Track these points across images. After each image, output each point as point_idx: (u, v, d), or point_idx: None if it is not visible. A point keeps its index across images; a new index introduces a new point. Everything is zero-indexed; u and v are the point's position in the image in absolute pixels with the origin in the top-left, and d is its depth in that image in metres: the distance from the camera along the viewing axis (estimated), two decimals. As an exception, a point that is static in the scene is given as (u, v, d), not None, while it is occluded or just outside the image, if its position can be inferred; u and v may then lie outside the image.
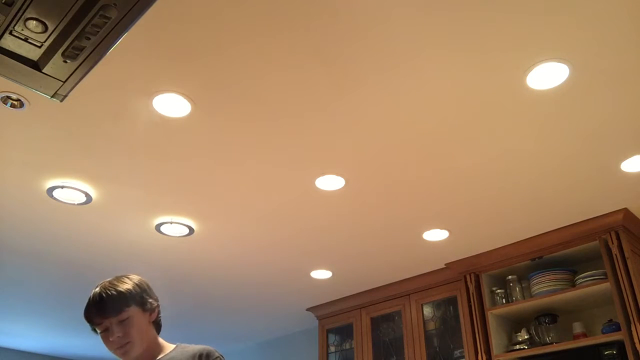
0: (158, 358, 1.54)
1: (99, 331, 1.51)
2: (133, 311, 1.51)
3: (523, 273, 3.66)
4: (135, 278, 1.59)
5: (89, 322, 1.52)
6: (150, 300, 1.57)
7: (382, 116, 2.39)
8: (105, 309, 1.48)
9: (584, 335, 3.29)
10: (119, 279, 1.56)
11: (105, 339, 1.50)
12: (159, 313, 1.59)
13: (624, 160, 2.70)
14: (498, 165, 2.74)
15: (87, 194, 2.97)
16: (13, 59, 1.15)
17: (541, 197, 3.04)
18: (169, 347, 1.58)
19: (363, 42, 1.99)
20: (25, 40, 1.12)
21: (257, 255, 3.80)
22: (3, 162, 2.71)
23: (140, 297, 1.54)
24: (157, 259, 3.84)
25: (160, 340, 1.61)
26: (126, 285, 1.53)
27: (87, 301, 1.53)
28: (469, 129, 2.48)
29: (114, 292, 1.50)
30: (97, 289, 1.53)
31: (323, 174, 2.81)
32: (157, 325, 1.60)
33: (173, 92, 2.23)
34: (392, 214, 3.22)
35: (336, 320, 4.66)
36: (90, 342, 6.11)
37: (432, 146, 2.60)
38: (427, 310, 4.08)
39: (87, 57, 1.16)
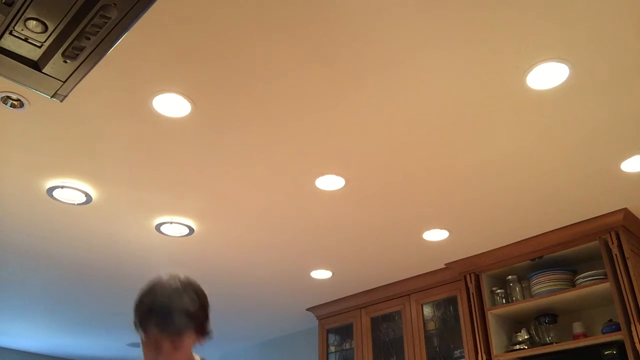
0: None
1: (142, 338, 1.29)
2: (189, 335, 1.29)
3: (523, 273, 3.66)
4: (203, 291, 1.35)
5: (140, 324, 1.28)
6: (207, 325, 1.35)
7: (382, 116, 2.39)
8: (166, 325, 1.24)
9: (584, 335, 3.29)
10: (191, 284, 1.31)
11: (147, 349, 1.28)
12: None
13: (624, 160, 2.70)
14: (498, 165, 2.74)
15: (87, 194, 2.97)
16: (13, 59, 1.15)
17: (541, 197, 3.04)
18: None
19: (363, 43, 1.99)
20: (25, 40, 1.12)
21: (257, 255, 3.80)
22: (3, 162, 2.71)
23: (202, 319, 1.32)
24: (157, 259, 3.84)
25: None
26: (195, 303, 1.29)
27: (145, 297, 1.28)
28: (469, 129, 2.48)
29: (183, 308, 1.26)
30: (165, 294, 1.26)
31: (323, 174, 2.81)
32: None
33: (173, 92, 2.23)
34: (392, 214, 3.22)
35: (336, 320, 4.66)
36: (90, 342, 6.11)
37: (432, 146, 2.60)
38: (427, 310, 4.08)
39: (87, 57, 1.16)
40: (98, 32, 1.10)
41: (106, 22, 1.08)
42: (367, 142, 2.56)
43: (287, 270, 4.05)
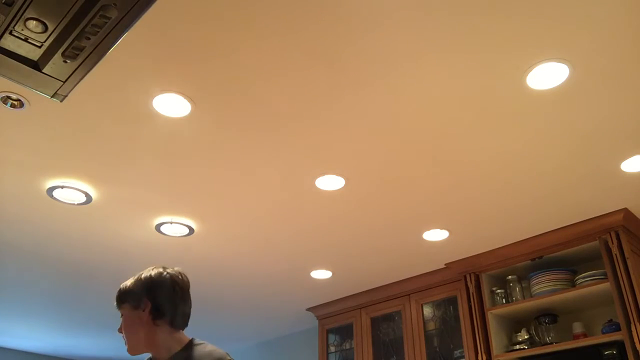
0: (168, 357, 1.56)
1: None
2: (126, 309, 1.59)
3: (523, 273, 3.66)
4: (149, 274, 1.61)
5: None
6: (145, 299, 1.56)
7: (382, 116, 2.39)
8: (116, 299, 1.62)
9: (584, 335, 3.29)
10: (140, 274, 1.62)
11: None
12: (152, 313, 1.56)
13: (624, 160, 2.70)
14: (498, 165, 2.74)
15: (87, 194, 2.97)
16: (13, 59, 1.15)
17: (541, 197, 3.04)
18: (180, 344, 1.58)
19: (363, 43, 1.99)
20: (25, 40, 1.12)
21: (257, 255, 3.80)
22: (3, 162, 2.71)
23: (136, 295, 1.58)
24: (157, 259, 3.84)
25: (174, 336, 1.58)
26: (130, 282, 1.61)
27: None
28: (469, 129, 2.48)
29: (121, 288, 1.61)
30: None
31: (323, 174, 2.81)
32: (171, 323, 1.58)
33: (173, 92, 2.23)
34: (392, 214, 3.22)
35: (336, 320, 4.66)
36: (90, 342, 6.11)
37: (432, 146, 2.60)
38: (427, 310, 4.08)
39: (87, 57, 1.16)
40: (98, 32, 1.10)
41: (106, 22, 1.08)
42: (367, 142, 2.56)
43: (287, 270, 4.05)
